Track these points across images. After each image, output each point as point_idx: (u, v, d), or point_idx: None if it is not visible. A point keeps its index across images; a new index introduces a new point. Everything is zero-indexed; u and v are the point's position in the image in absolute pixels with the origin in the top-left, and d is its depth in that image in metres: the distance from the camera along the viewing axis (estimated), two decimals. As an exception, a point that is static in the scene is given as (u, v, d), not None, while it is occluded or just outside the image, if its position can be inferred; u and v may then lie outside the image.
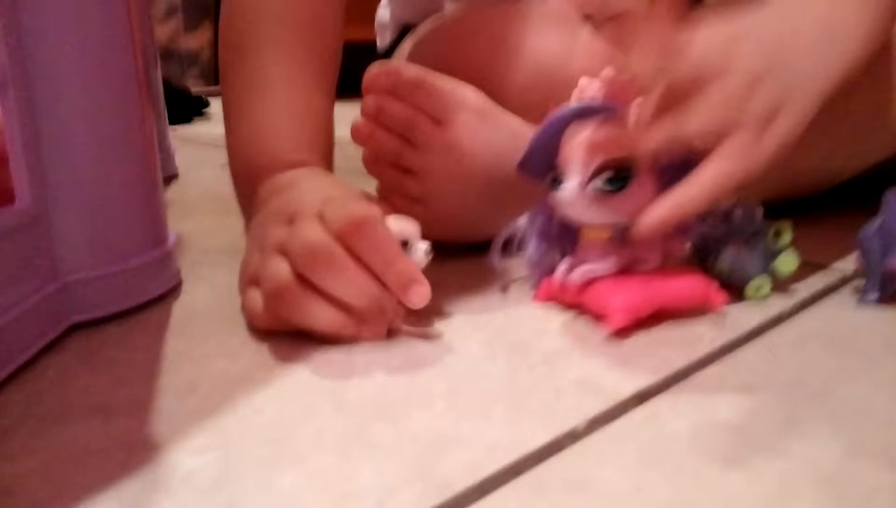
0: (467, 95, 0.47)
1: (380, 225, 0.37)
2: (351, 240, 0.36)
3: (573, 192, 0.38)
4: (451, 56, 0.56)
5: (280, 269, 0.36)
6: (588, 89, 0.40)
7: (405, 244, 0.38)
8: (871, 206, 0.45)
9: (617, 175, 0.38)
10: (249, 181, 0.48)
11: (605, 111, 0.38)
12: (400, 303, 0.37)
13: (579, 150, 0.38)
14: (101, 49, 0.40)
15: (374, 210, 0.37)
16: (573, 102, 0.39)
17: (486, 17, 0.57)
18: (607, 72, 0.39)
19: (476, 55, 0.54)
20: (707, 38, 0.38)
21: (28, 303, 0.36)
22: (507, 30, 0.55)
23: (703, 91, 0.37)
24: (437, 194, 0.47)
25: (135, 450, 0.29)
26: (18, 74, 0.36)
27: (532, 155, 0.40)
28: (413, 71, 0.45)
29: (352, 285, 0.36)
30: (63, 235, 0.39)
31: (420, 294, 0.36)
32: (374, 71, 0.45)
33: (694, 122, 0.37)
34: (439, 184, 0.47)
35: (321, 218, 0.37)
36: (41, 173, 0.38)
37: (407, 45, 0.69)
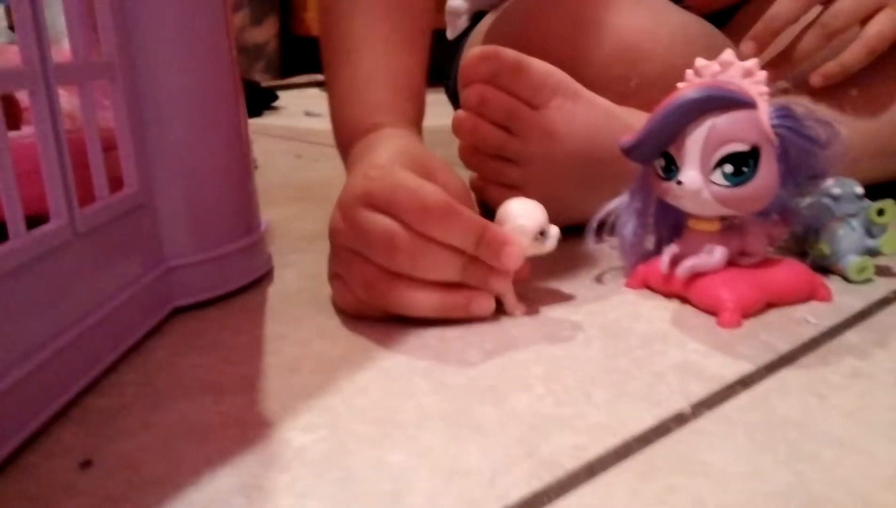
0: (560, 77, 0.46)
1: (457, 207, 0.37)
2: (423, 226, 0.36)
3: (694, 184, 0.37)
4: (530, 32, 0.55)
5: (364, 270, 0.37)
6: (706, 71, 0.38)
7: (542, 233, 0.38)
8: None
9: (738, 169, 0.36)
10: (342, 144, 0.49)
11: (729, 100, 0.36)
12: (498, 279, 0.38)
13: (700, 139, 0.37)
14: (201, 38, 0.41)
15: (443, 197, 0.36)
16: (692, 88, 0.37)
17: None
18: (727, 55, 0.38)
19: (556, 30, 0.54)
20: None
21: (136, 286, 0.38)
22: (588, 5, 0.54)
23: None
24: (534, 179, 0.47)
25: (248, 427, 0.30)
26: (125, 63, 0.37)
27: (646, 138, 0.39)
28: (512, 55, 0.45)
29: (440, 260, 0.37)
30: (166, 220, 0.41)
31: (512, 254, 0.37)
32: (475, 57, 0.45)
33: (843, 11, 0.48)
34: (537, 169, 0.47)
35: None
36: (146, 160, 0.39)
37: (485, 24, 0.69)
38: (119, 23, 0.37)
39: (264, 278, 0.47)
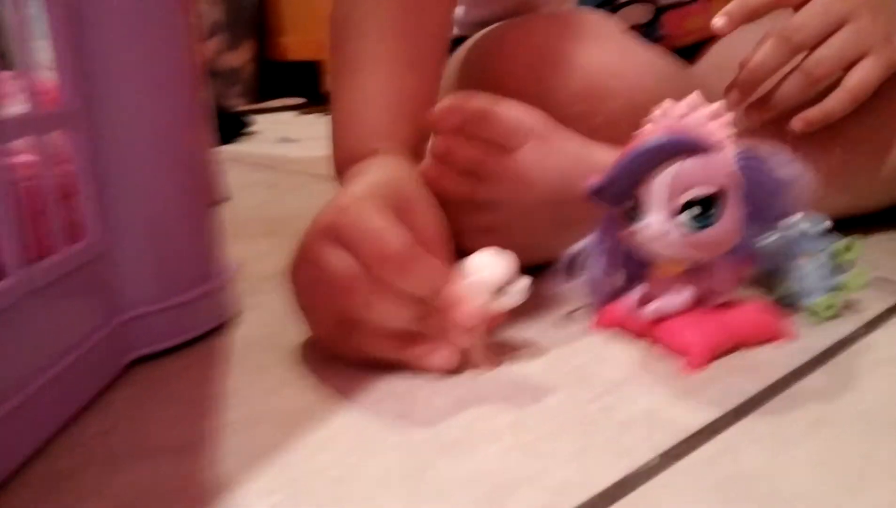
0: (531, 120, 0.46)
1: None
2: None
3: (659, 228, 0.37)
4: (497, 66, 0.55)
5: (326, 307, 0.37)
6: (671, 112, 0.38)
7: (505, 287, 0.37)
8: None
9: (703, 212, 0.36)
10: (337, 170, 0.48)
11: (694, 146, 0.36)
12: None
13: (666, 184, 0.36)
14: (164, 82, 0.40)
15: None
16: (659, 132, 0.37)
17: (532, 27, 0.56)
18: (694, 97, 0.38)
19: (522, 65, 0.54)
20: None
21: (94, 339, 0.37)
22: (554, 40, 0.54)
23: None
24: (506, 223, 0.46)
25: (204, 490, 0.29)
26: (86, 109, 0.37)
27: (612, 181, 0.38)
28: (478, 103, 0.44)
29: (396, 308, 0.36)
30: (127, 268, 0.40)
31: (464, 313, 0.36)
32: (441, 109, 0.44)
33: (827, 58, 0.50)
34: (508, 214, 0.46)
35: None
36: (107, 207, 0.38)
37: (459, 53, 0.69)
38: (78, 70, 0.36)
39: (230, 321, 0.46)
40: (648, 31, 0.70)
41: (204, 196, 0.44)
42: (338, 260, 0.36)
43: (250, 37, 2.06)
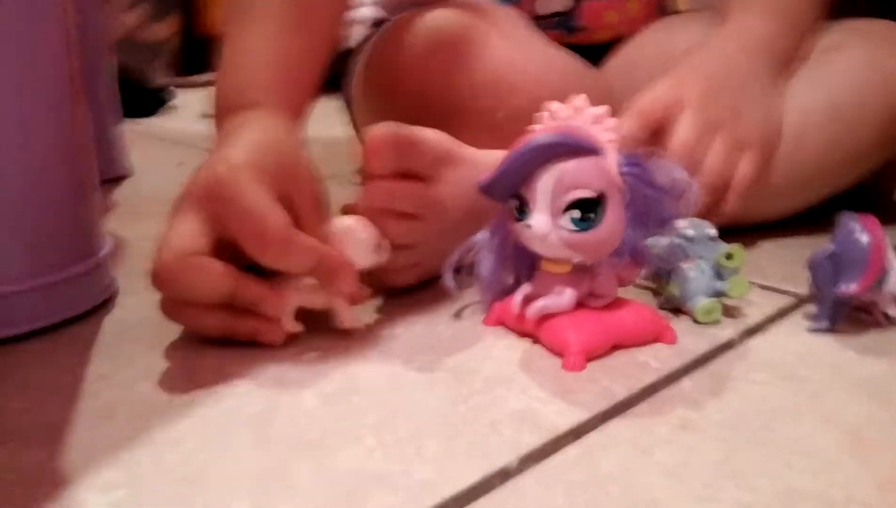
0: (447, 145, 0.45)
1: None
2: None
3: (541, 227, 0.37)
4: (404, 59, 0.54)
5: None
6: (558, 113, 0.38)
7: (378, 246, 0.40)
8: (827, 225, 0.44)
9: (585, 214, 0.36)
10: (217, 114, 0.46)
11: (578, 148, 0.36)
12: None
13: (549, 184, 0.36)
14: (31, 55, 0.38)
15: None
16: (546, 132, 0.37)
17: (439, 19, 0.55)
18: (580, 100, 0.38)
19: (428, 59, 0.53)
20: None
21: (-58, 320, 0.35)
22: (461, 33, 0.53)
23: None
24: (426, 254, 0.45)
25: (42, 485, 0.28)
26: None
27: (499, 179, 0.38)
28: (406, 134, 0.42)
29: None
30: (-17, 247, 0.37)
31: (349, 276, 0.38)
32: (375, 146, 0.41)
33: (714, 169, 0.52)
34: (427, 245, 0.45)
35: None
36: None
37: (371, 43, 0.67)
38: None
39: (104, 305, 0.44)
40: (566, 20, 0.70)
41: (80, 174, 0.41)
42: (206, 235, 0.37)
43: (176, 10, 1.99)
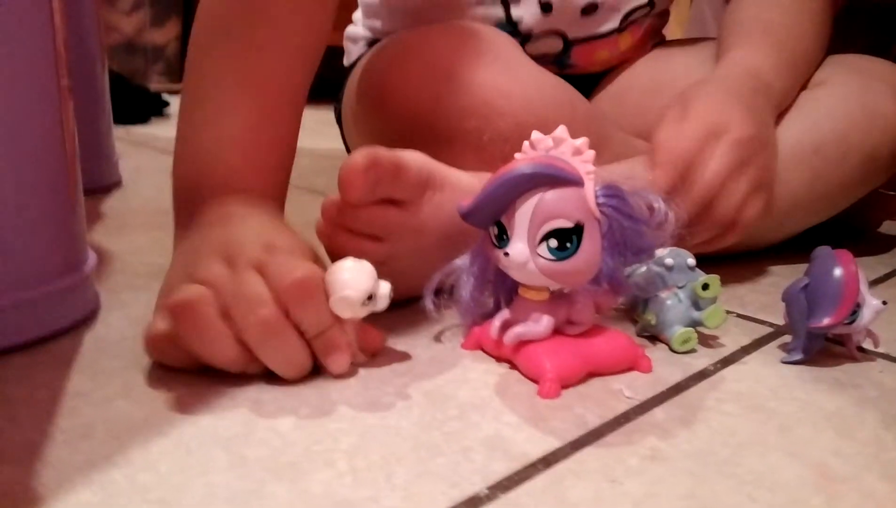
0: (430, 168, 0.45)
1: (320, 288, 0.37)
2: (292, 302, 0.36)
3: (519, 256, 0.37)
4: (392, 79, 0.55)
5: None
6: (538, 144, 0.39)
7: (370, 297, 0.38)
8: (808, 254, 0.45)
9: (562, 244, 0.37)
10: (191, 196, 0.45)
11: (556, 179, 0.37)
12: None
13: (528, 213, 0.37)
14: (16, 64, 0.38)
15: (315, 270, 0.37)
16: (527, 162, 0.37)
17: (428, 40, 0.56)
18: (561, 131, 0.38)
19: (415, 80, 0.54)
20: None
21: (-77, 333, 0.35)
22: (449, 54, 0.54)
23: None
24: (401, 270, 0.44)
25: (14, 503, 0.28)
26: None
27: (480, 206, 0.39)
28: (389, 158, 0.42)
29: (286, 354, 0.37)
30: (-33, 261, 0.38)
31: (341, 363, 0.38)
32: (358, 170, 0.41)
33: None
34: (404, 262, 0.45)
35: (263, 270, 0.37)
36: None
37: (361, 64, 0.68)
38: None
39: (85, 321, 0.44)
40: (560, 59, 0.71)
41: (62, 184, 0.42)
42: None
43: (177, 14, 2.00)
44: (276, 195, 0.47)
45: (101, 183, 0.81)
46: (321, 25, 0.49)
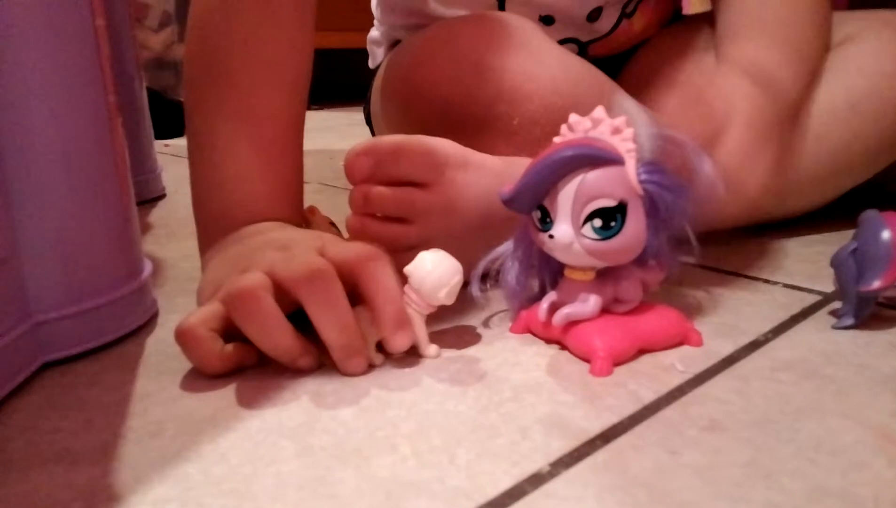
0: (447, 150, 0.46)
1: (386, 263, 0.39)
2: (357, 271, 0.38)
3: (565, 237, 0.38)
4: (418, 72, 0.56)
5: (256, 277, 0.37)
6: (577, 126, 0.39)
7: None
8: (849, 222, 0.45)
9: (606, 223, 0.37)
10: (216, 230, 0.47)
11: (598, 159, 0.37)
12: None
13: (571, 195, 0.37)
14: (69, 85, 0.40)
15: (378, 251, 0.39)
16: (566, 145, 0.38)
17: (452, 31, 0.57)
18: (598, 112, 0.38)
19: (442, 70, 0.54)
20: None
21: (1, 343, 0.36)
22: (474, 43, 0.55)
23: None
24: (434, 244, 0.44)
25: (96, 501, 0.29)
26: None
27: (522, 191, 0.39)
28: (388, 144, 0.44)
29: (336, 318, 0.38)
30: (33, 274, 0.39)
31: (405, 340, 0.39)
32: (352, 157, 0.44)
33: None
34: (436, 238, 0.45)
35: (322, 251, 0.39)
36: (7, 213, 0.38)
37: (386, 61, 0.69)
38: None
39: (147, 325, 0.46)
40: (579, 53, 0.71)
41: (119, 200, 0.43)
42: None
43: (203, 27, 2.02)
44: (296, 220, 0.49)
45: (147, 195, 0.83)
46: (308, 56, 0.51)
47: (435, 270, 0.39)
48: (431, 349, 0.41)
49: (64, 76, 0.39)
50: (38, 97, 0.38)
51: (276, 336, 0.37)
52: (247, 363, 0.39)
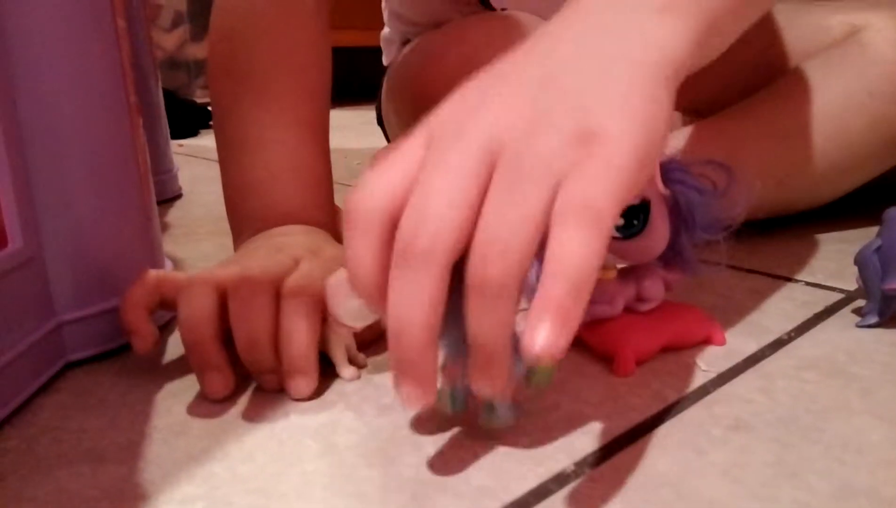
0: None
1: (302, 303, 0.37)
2: (281, 302, 0.37)
3: None
4: (428, 72, 0.56)
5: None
6: None
7: None
8: (874, 219, 0.44)
9: (629, 221, 0.37)
10: (250, 228, 0.48)
11: None
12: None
13: None
14: (91, 85, 0.40)
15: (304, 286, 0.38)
16: None
17: (462, 29, 0.57)
18: None
19: (451, 71, 0.54)
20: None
21: (23, 344, 0.37)
22: (484, 41, 0.55)
23: None
24: None
25: (123, 500, 0.29)
26: (7, 113, 0.36)
27: None
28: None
29: (245, 332, 0.36)
30: (56, 274, 0.39)
31: (301, 387, 0.36)
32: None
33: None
34: None
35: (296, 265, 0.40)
36: (32, 213, 0.38)
37: (398, 60, 0.70)
38: (1, 70, 0.36)
39: (168, 325, 0.46)
40: None
41: (140, 200, 0.44)
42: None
43: (216, 28, 2.03)
44: (325, 221, 0.49)
45: (164, 195, 0.84)
46: (328, 57, 0.52)
47: (349, 300, 0.32)
48: (347, 371, 0.39)
49: (87, 75, 0.39)
50: (63, 96, 0.38)
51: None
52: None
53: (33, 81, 0.37)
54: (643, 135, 0.26)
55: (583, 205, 0.24)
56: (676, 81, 0.29)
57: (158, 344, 0.39)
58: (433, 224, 0.25)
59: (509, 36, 0.55)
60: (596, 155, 0.25)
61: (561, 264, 0.24)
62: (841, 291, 0.49)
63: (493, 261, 0.24)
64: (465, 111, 0.28)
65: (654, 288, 0.41)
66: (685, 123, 0.67)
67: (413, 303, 0.25)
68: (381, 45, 0.87)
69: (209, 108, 1.52)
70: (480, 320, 0.25)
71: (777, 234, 0.62)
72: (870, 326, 0.43)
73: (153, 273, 0.40)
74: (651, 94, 0.27)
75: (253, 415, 0.35)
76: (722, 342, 0.41)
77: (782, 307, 0.46)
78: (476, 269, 0.25)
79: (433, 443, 0.33)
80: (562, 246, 0.24)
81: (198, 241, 0.67)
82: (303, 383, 0.36)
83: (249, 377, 0.39)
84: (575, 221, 0.24)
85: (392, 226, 0.27)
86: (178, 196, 0.87)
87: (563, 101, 0.27)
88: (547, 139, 0.26)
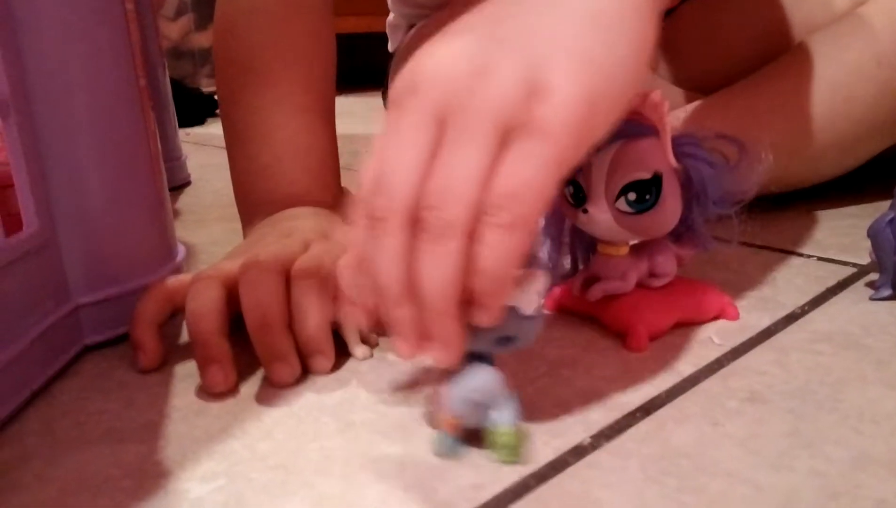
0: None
1: (312, 285, 0.37)
2: (290, 285, 0.38)
3: (598, 212, 0.38)
4: None
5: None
6: None
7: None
8: (886, 193, 0.44)
9: (641, 196, 0.37)
10: (259, 211, 0.49)
11: (633, 130, 0.37)
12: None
13: (604, 168, 0.37)
14: (102, 68, 0.40)
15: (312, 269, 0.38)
16: None
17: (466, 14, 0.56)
18: None
19: None
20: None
21: (40, 328, 0.37)
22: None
23: None
24: None
25: (145, 478, 0.30)
26: (20, 98, 0.36)
27: None
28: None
29: (257, 315, 0.36)
30: (72, 258, 0.40)
31: (320, 365, 0.37)
32: None
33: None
34: None
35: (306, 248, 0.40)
36: (47, 197, 0.38)
37: (405, 44, 0.69)
38: (12, 55, 0.36)
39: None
40: None
41: (153, 184, 0.44)
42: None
43: (219, 16, 2.03)
44: (333, 203, 0.49)
45: (173, 183, 0.84)
46: (332, 43, 0.53)
47: None
48: (360, 350, 0.39)
49: (98, 60, 0.39)
50: (74, 81, 0.38)
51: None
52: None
53: (45, 66, 0.37)
54: (597, 77, 0.26)
55: (509, 194, 0.24)
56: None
57: (163, 361, 0.39)
58: (394, 190, 0.25)
59: None
60: (532, 125, 0.25)
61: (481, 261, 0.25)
62: (854, 265, 0.49)
63: (434, 206, 0.24)
64: (417, 67, 0.27)
65: (667, 264, 0.41)
66: (690, 100, 0.67)
67: (383, 260, 0.26)
68: (387, 31, 0.87)
69: (215, 96, 1.52)
70: (422, 266, 0.25)
71: (789, 209, 0.62)
72: (883, 299, 0.43)
73: (164, 284, 0.40)
74: (618, 14, 0.27)
75: (270, 394, 0.36)
76: (735, 317, 0.41)
77: (795, 282, 0.46)
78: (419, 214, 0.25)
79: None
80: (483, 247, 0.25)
81: (209, 226, 0.67)
82: (321, 360, 0.37)
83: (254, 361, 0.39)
84: (497, 220, 0.24)
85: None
86: (187, 183, 0.87)
87: (511, 44, 0.26)
88: (490, 92, 0.25)
